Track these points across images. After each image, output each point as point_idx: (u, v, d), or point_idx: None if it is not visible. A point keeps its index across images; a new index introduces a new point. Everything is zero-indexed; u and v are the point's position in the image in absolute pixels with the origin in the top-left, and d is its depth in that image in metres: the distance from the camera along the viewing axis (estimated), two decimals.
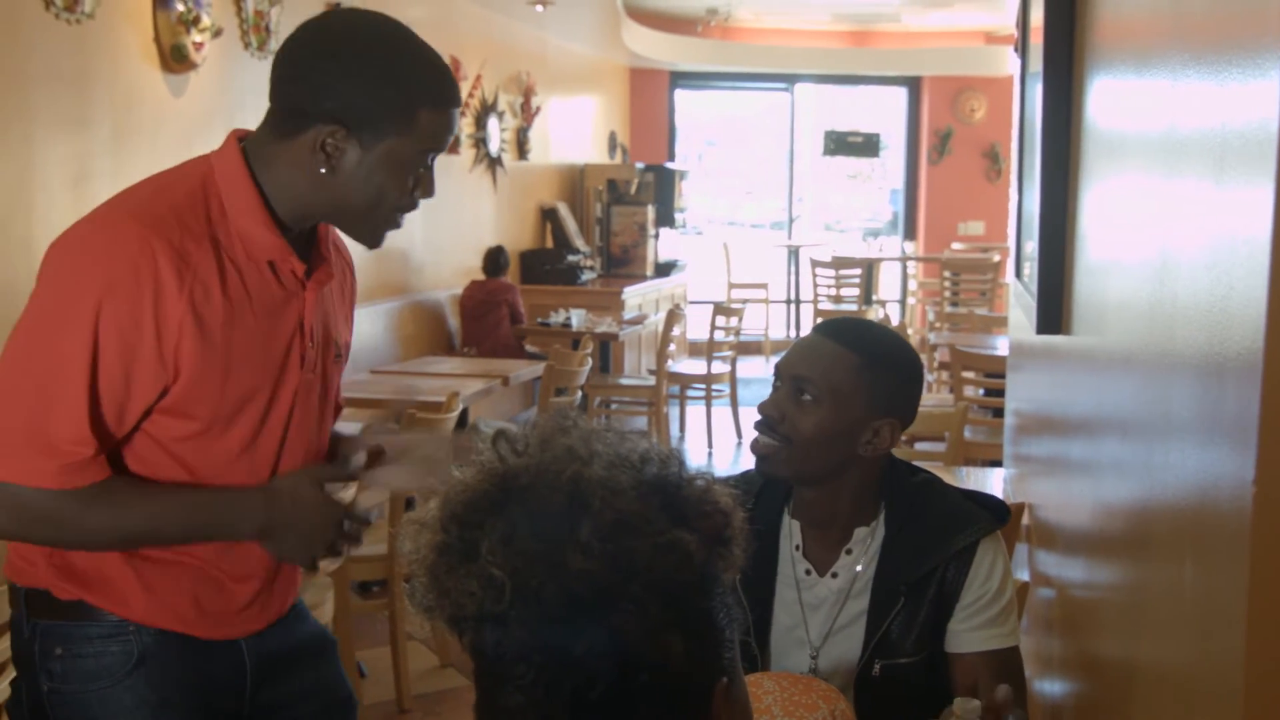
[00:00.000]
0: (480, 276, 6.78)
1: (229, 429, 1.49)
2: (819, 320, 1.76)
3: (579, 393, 4.98)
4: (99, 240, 1.43)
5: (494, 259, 6.72)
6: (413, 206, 1.54)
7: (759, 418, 1.67)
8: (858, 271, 9.75)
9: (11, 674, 1.57)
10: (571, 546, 0.82)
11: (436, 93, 1.47)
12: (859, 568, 1.69)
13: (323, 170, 1.46)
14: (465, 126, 7.21)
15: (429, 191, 1.54)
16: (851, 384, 1.64)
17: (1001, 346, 5.06)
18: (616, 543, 0.82)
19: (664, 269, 9.42)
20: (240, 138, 1.52)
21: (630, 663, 0.83)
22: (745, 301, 8.94)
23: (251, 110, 4.93)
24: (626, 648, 0.82)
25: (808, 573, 1.71)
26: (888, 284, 11.38)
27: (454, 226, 7.10)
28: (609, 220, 9.28)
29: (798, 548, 1.72)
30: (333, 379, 1.64)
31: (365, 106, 1.43)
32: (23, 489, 1.40)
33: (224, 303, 1.44)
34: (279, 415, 1.54)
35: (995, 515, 1.71)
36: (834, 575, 1.70)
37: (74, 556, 1.48)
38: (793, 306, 11.28)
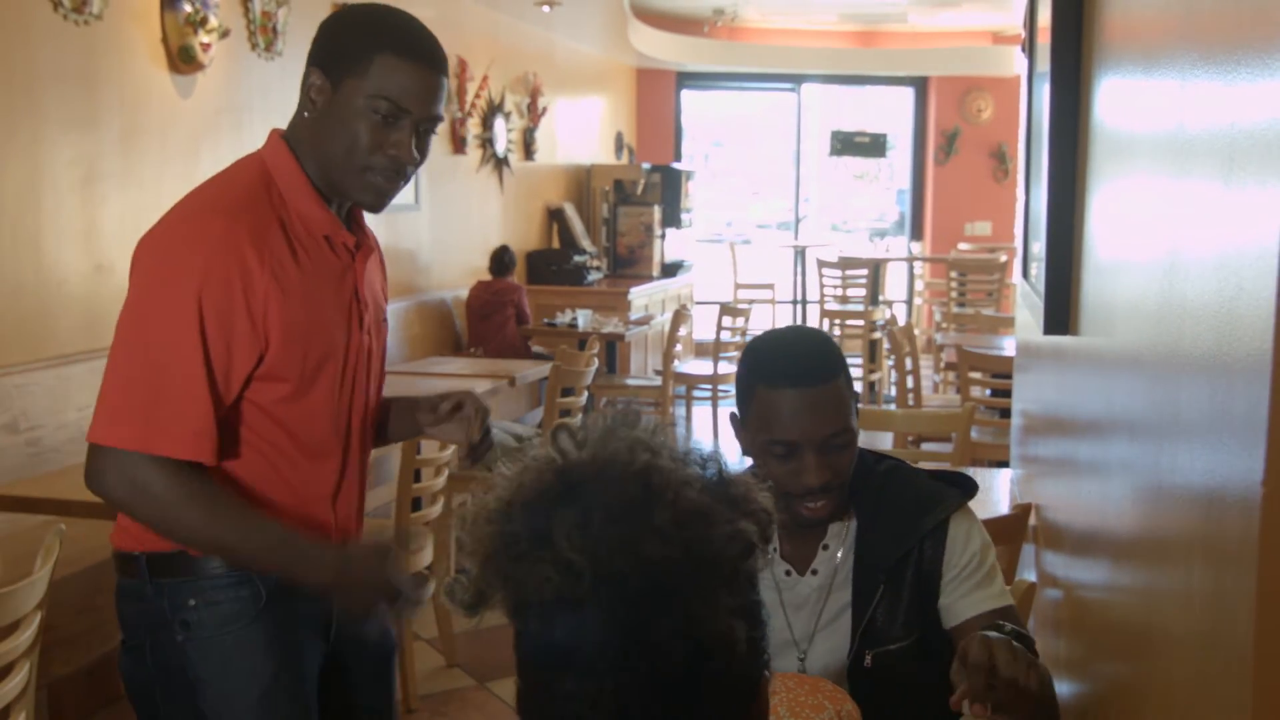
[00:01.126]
0: (486, 277, 6.79)
1: (313, 387, 1.68)
2: (778, 366, 1.70)
3: (585, 393, 4.98)
4: (187, 232, 1.61)
5: (500, 259, 6.72)
6: (387, 165, 1.64)
7: (805, 491, 1.62)
8: (864, 272, 9.73)
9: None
10: (649, 533, 0.83)
11: (398, 42, 1.61)
12: (837, 561, 1.70)
13: (306, 114, 1.65)
14: (472, 127, 7.22)
15: (404, 152, 1.63)
16: (851, 403, 1.67)
17: (1008, 347, 5.05)
18: (691, 530, 0.84)
19: (670, 269, 9.42)
20: (282, 135, 1.72)
21: (703, 648, 0.84)
22: (752, 302, 8.94)
23: (259, 111, 4.94)
24: (700, 633, 0.84)
25: (788, 574, 1.71)
26: (894, 284, 11.36)
27: (460, 227, 7.11)
28: (615, 220, 9.29)
29: (775, 550, 1.72)
30: (383, 339, 1.85)
31: (332, 48, 1.63)
32: (143, 460, 1.57)
33: (298, 274, 1.63)
34: (350, 372, 1.74)
35: (963, 490, 1.72)
36: (814, 572, 1.71)
37: None
38: (799, 307, 11.28)
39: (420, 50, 1.63)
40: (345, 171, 1.65)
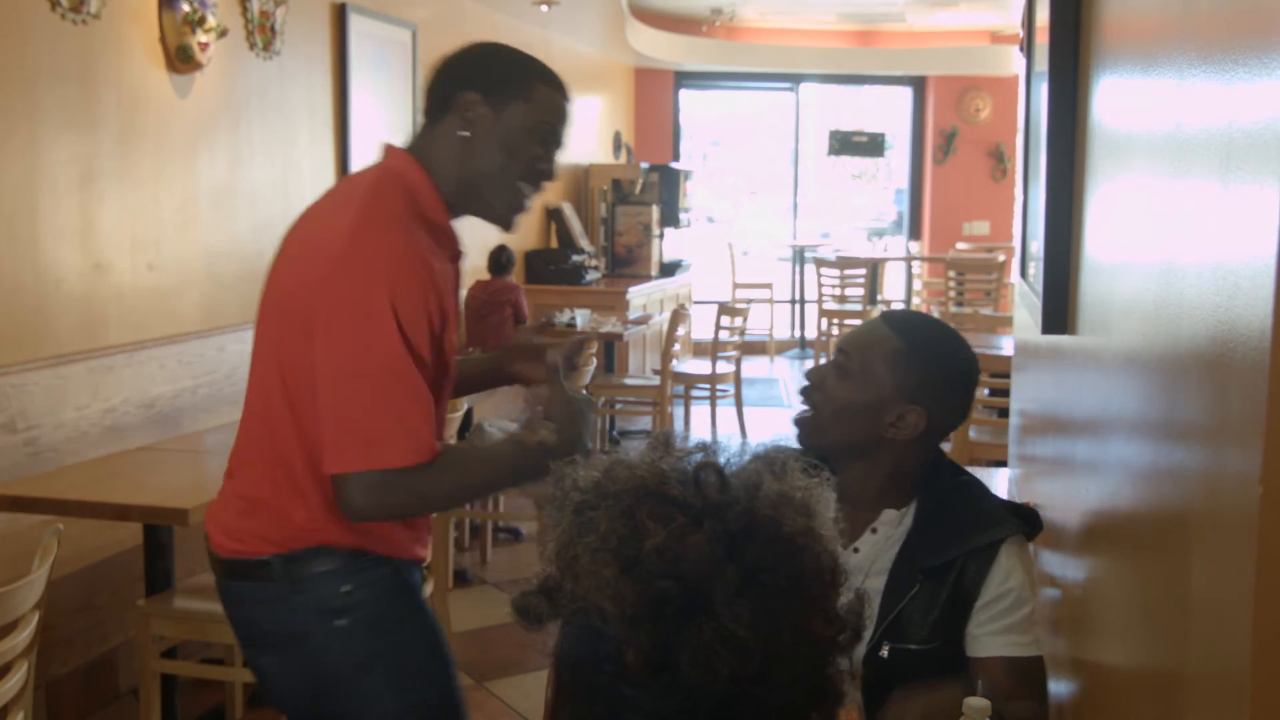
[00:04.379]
0: (485, 276, 6.78)
1: (439, 392, 1.79)
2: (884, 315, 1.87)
3: (583, 392, 4.98)
4: (371, 251, 1.67)
5: (497, 259, 6.71)
6: (535, 180, 1.83)
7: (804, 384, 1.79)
8: (862, 271, 9.74)
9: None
10: (819, 617, 0.83)
11: (551, 76, 1.82)
12: (882, 549, 1.72)
13: (463, 133, 1.77)
14: None
15: (550, 169, 1.84)
16: (884, 365, 1.71)
17: (1006, 346, 5.06)
18: (846, 606, 0.86)
19: (668, 269, 9.41)
20: (408, 151, 1.81)
21: (812, 698, 0.85)
22: (750, 302, 8.94)
23: (256, 111, 4.93)
24: (821, 681, 0.86)
25: None
26: (892, 284, 11.37)
27: (458, 226, 7.10)
28: (614, 220, 9.28)
29: None
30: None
31: (495, 76, 1.78)
32: (404, 471, 1.67)
33: (441, 281, 1.75)
34: (450, 377, 1.86)
35: (1025, 523, 1.74)
36: (855, 550, 1.73)
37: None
38: (797, 307, 11.28)
39: (565, 84, 1.84)
40: (496, 188, 1.82)
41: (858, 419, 1.71)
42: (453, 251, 1.87)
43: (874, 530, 1.73)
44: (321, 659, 1.77)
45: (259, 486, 1.78)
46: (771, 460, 0.88)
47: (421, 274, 1.68)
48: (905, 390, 1.70)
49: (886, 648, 1.67)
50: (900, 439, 1.72)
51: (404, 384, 1.66)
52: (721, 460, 0.87)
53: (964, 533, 1.69)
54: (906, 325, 1.75)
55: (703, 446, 0.89)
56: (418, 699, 1.83)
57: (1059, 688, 2.10)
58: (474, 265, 7.11)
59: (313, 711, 1.82)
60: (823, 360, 1.83)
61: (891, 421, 1.70)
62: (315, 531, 1.75)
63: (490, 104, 1.76)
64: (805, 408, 1.77)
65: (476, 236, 7.34)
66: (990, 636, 1.66)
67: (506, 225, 1.90)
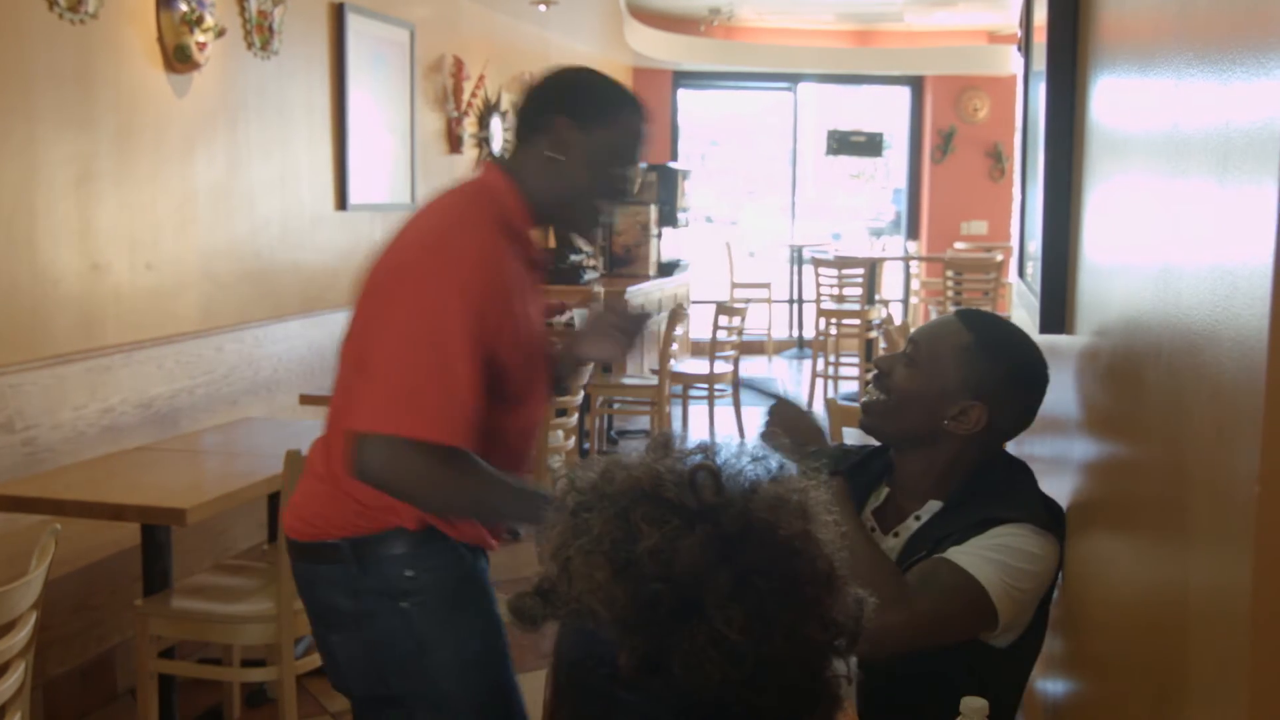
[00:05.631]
0: None
1: (521, 407, 1.93)
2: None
3: (581, 393, 4.97)
4: (461, 245, 1.81)
5: None
6: (616, 197, 1.98)
7: (875, 372, 1.83)
8: (860, 271, 9.73)
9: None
10: (814, 621, 0.82)
11: (633, 101, 1.96)
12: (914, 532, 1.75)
13: (553, 155, 1.90)
14: (469, 126, 7.21)
15: (630, 187, 1.99)
16: (952, 357, 1.73)
17: None
18: (845, 612, 0.84)
19: (667, 269, 9.40)
20: (501, 168, 1.95)
21: (807, 699, 0.84)
22: (748, 301, 8.94)
23: (254, 110, 4.93)
24: (815, 684, 0.84)
25: (872, 529, 1.78)
26: (891, 283, 11.37)
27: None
28: (612, 219, 9.27)
29: (874, 510, 1.81)
30: None
31: (584, 101, 1.91)
32: (421, 446, 1.73)
33: (523, 294, 1.88)
34: (543, 392, 2.01)
35: (1044, 515, 1.71)
36: (895, 535, 1.76)
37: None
38: (795, 306, 11.28)
39: (645, 106, 1.99)
40: (581, 204, 1.96)
41: (920, 409, 1.73)
42: (532, 257, 1.97)
43: (917, 518, 1.75)
44: (387, 640, 1.87)
45: (332, 466, 1.85)
46: (769, 462, 0.88)
47: (497, 271, 1.80)
48: (969, 385, 1.71)
49: None
50: (960, 433, 1.73)
51: (448, 368, 1.73)
52: (719, 461, 0.87)
53: (976, 515, 1.68)
54: (978, 322, 1.78)
55: (702, 448, 0.89)
56: (474, 684, 1.91)
57: (1057, 686, 2.10)
58: None
59: (379, 691, 1.91)
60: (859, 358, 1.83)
61: (953, 415, 1.72)
62: (385, 511, 1.83)
63: (580, 128, 1.89)
64: (874, 394, 1.80)
65: None
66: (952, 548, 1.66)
67: (587, 234, 2.07)
